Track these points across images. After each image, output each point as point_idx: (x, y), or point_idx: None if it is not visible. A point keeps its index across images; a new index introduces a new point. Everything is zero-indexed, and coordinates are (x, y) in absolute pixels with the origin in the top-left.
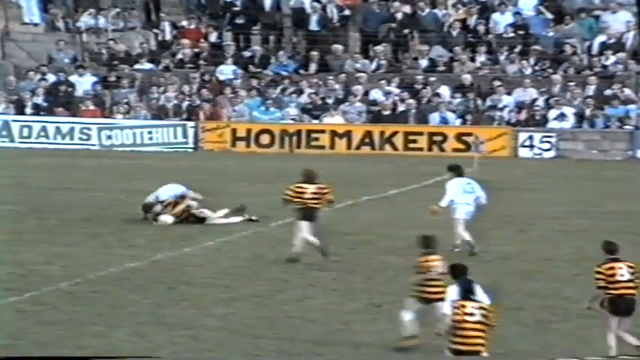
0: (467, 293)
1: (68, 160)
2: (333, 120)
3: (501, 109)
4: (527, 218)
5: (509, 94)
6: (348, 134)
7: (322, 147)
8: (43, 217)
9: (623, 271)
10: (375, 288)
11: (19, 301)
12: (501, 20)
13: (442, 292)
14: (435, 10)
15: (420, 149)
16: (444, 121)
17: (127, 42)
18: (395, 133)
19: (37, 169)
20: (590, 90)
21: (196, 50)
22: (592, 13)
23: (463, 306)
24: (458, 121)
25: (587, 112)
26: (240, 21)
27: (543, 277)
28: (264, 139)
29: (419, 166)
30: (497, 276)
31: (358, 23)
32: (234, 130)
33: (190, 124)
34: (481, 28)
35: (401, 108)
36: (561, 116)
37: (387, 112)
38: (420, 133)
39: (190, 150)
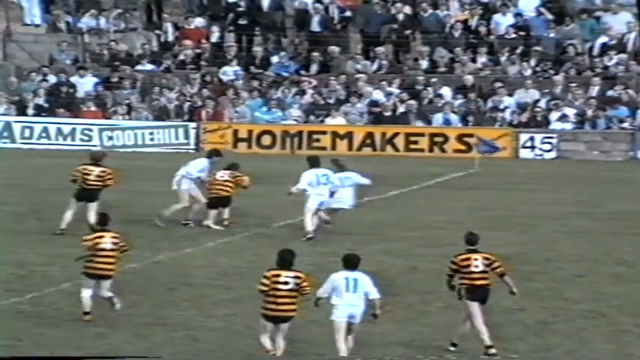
0: (282, 262)
1: (69, 161)
2: (335, 121)
3: (503, 110)
4: (528, 219)
5: (510, 95)
6: (349, 135)
7: (324, 148)
8: (44, 217)
9: (477, 262)
10: None
11: (20, 302)
12: (503, 21)
13: (109, 269)
14: (437, 11)
15: (422, 150)
16: (448, 122)
17: (129, 43)
18: (396, 134)
19: (39, 169)
20: (593, 91)
21: (198, 51)
22: (593, 14)
23: (278, 275)
24: (459, 122)
25: (589, 112)
26: (243, 22)
27: (544, 278)
28: (266, 140)
29: (420, 167)
30: (498, 277)
31: (359, 24)
32: (235, 131)
33: (192, 124)
34: (482, 29)
35: (402, 109)
36: (563, 117)
37: (388, 113)
38: (422, 134)
39: (192, 151)
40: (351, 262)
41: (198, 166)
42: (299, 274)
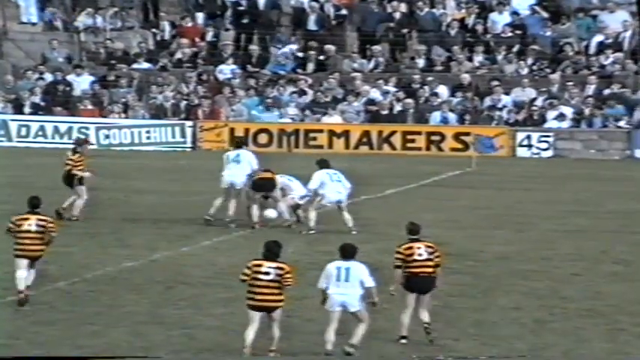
0: (268, 253)
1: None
2: (332, 120)
3: (500, 109)
4: (525, 217)
5: (507, 93)
6: (346, 134)
7: (320, 146)
8: None
9: (421, 251)
10: None
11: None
12: (499, 20)
13: (34, 250)
14: (433, 10)
15: (419, 149)
16: (445, 120)
17: (125, 41)
18: (393, 133)
19: (35, 168)
20: (589, 90)
21: (195, 49)
22: (590, 12)
23: (259, 265)
24: (456, 121)
25: (586, 111)
26: (245, 20)
27: (541, 277)
28: (263, 138)
29: (417, 166)
30: (496, 275)
31: (356, 23)
32: (232, 130)
33: (188, 123)
34: (479, 28)
35: (398, 107)
36: (560, 116)
37: (385, 112)
38: (419, 133)
39: (188, 149)
40: (346, 252)
41: (253, 159)
42: (281, 265)
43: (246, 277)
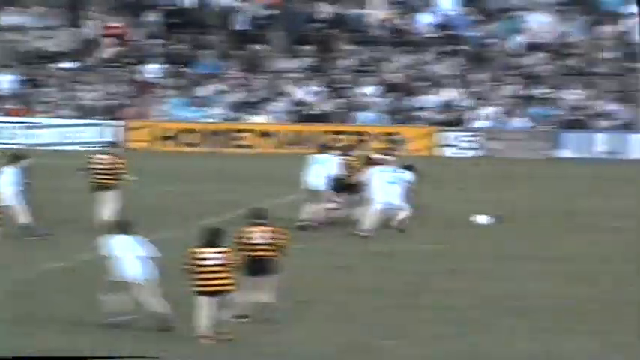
0: (211, 237)
1: None
2: (260, 119)
3: (426, 109)
4: (452, 216)
5: (434, 93)
6: (273, 134)
7: (249, 146)
8: None
9: (258, 235)
10: None
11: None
12: (426, 20)
13: None
14: (361, 11)
15: None
16: (369, 120)
17: (51, 41)
18: (322, 133)
19: None
20: (515, 90)
21: (121, 49)
22: (514, 13)
23: (200, 252)
24: (383, 121)
25: (512, 111)
26: (173, 20)
27: (467, 276)
28: (190, 138)
29: None
30: (421, 273)
31: (284, 23)
32: (159, 130)
33: (115, 122)
34: (406, 28)
35: (326, 108)
36: (486, 116)
37: (313, 112)
38: (346, 133)
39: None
40: (124, 227)
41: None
42: (222, 250)
43: (190, 266)
